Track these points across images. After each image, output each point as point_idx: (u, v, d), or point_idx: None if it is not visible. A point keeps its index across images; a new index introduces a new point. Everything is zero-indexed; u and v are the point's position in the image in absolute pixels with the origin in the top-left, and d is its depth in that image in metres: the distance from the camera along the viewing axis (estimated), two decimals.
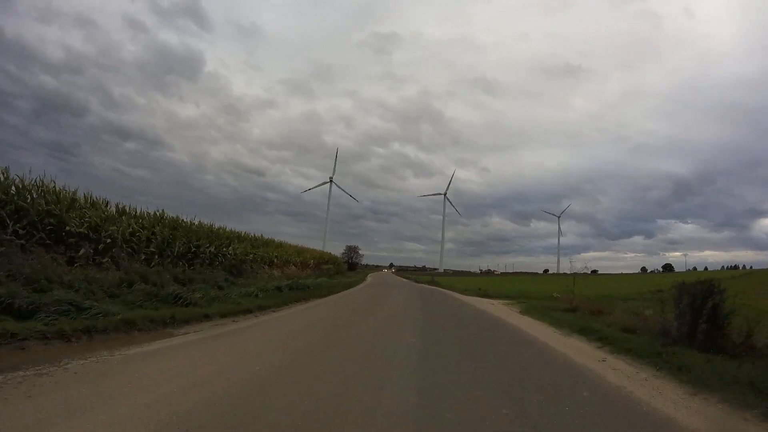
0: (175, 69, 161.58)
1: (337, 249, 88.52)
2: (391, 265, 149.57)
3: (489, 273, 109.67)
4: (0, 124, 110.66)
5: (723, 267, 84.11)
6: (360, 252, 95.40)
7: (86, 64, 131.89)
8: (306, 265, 27.34)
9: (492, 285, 32.51)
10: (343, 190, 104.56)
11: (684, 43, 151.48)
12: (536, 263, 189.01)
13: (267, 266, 21.02)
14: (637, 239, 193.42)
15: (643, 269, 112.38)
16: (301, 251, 30.17)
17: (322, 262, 34.74)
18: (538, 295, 20.07)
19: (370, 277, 51.70)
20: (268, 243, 24.40)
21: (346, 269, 74.77)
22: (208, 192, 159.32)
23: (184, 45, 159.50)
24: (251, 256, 19.15)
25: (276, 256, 23.22)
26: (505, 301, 17.73)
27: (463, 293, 25.24)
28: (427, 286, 35.73)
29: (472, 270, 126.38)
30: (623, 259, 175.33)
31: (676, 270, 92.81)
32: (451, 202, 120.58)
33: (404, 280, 50.86)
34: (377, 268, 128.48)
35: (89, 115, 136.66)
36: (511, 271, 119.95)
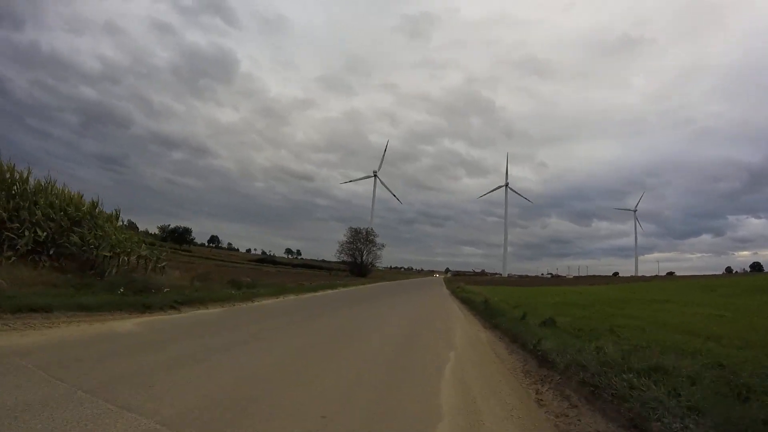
0: (208, 72, 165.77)
1: (387, 255, 63.17)
2: (447, 270, 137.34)
3: (558, 278, 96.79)
4: (49, 138, 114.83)
5: None
6: (377, 241, 59.25)
7: (122, 72, 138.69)
8: None
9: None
10: (386, 187, 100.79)
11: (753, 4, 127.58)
12: (598, 266, 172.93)
13: None
14: (705, 238, 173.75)
15: (728, 269, 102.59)
16: None
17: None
18: None
19: None
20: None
21: (346, 273, 48.06)
22: (258, 200, 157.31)
23: (213, 44, 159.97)
24: None
25: None
26: None
27: None
28: None
29: (536, 275, 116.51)
30: (689, 259, 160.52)
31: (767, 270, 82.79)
32: (516, 191, 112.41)
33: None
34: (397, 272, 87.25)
35: (133, 125, 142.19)
36: (584, 274, 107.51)
